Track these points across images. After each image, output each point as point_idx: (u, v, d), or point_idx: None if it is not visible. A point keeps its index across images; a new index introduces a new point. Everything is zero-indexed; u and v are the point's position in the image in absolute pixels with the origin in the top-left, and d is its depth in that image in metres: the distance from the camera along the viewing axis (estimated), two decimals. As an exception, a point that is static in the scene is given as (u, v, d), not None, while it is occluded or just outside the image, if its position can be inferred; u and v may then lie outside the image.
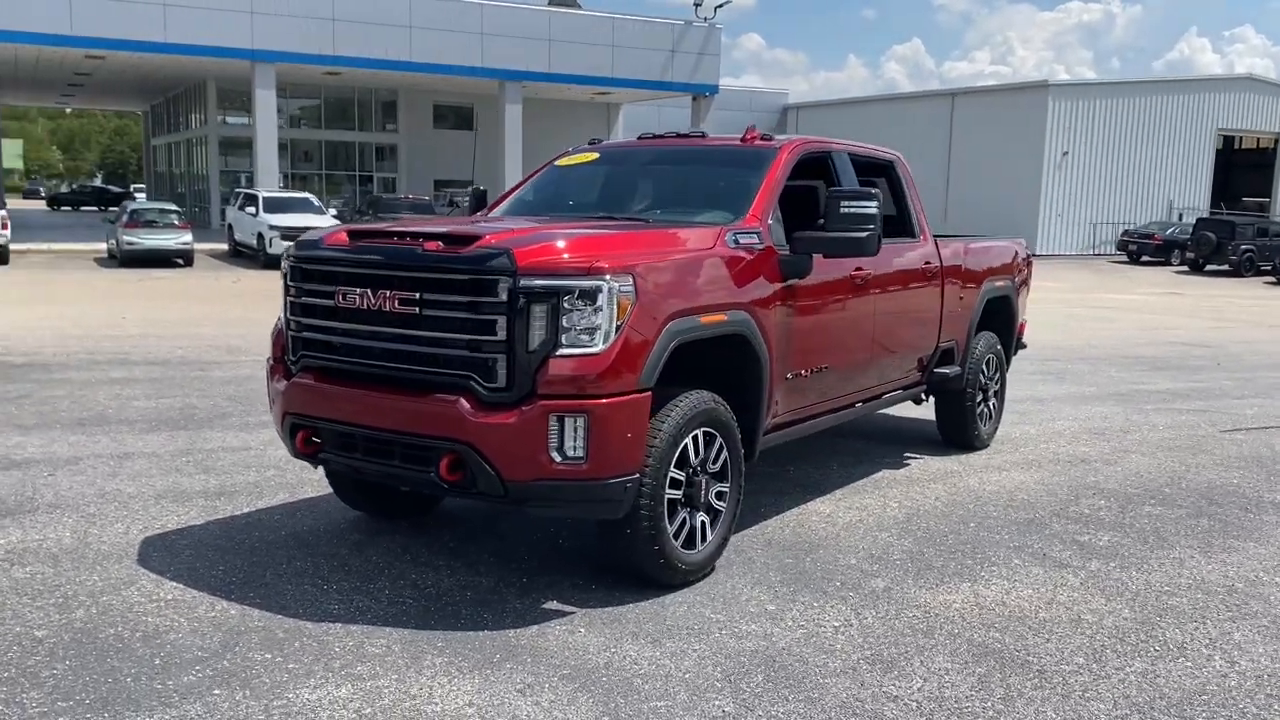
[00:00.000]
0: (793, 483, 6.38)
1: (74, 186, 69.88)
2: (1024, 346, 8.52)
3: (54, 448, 6.75)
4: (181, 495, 5.74)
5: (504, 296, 3.97)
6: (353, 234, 4.55)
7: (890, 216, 6.80)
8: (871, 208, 4.99)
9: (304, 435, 4.54)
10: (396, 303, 4.19)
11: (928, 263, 6.50)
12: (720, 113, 49.37)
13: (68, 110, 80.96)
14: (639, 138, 6.29)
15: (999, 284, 7.55)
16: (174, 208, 27.77)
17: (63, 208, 60.28)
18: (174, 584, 4.42)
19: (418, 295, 4.15)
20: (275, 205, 26.12)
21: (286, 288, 4.65)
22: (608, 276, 4.03)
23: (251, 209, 26.28)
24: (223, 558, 4.77)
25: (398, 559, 4.82)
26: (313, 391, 4.48)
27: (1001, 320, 7.81)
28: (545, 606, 4.30)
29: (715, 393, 4.65)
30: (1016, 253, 7.99)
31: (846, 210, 4.98)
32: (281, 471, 6.24)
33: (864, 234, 4.99)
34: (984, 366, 7.41)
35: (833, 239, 5.02)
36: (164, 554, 4.79)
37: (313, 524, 5.31)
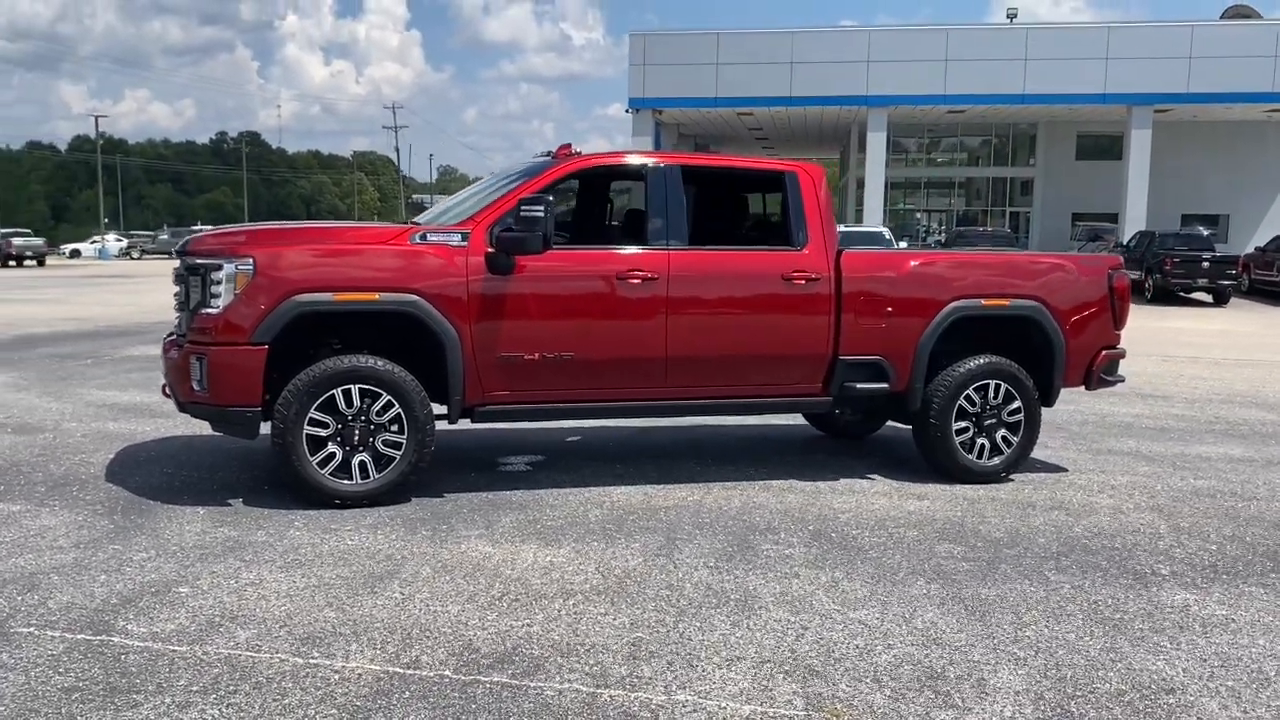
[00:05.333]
0: (671, 473, 6.81)
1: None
2: (1112, 383, 7.27)
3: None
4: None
5: (184, 270, 5.75)
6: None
7: (775, 225, 6.81)
8: (538, 212, 5.62)
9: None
10: (175, 278, 6.18)
11: (797, 271, 6.38)
12: None
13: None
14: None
15: (995, 303, 6.78)
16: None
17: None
18: (108, 455, 6.91)
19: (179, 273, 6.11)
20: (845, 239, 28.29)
21: None
22: (231, 259, 5.55)
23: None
24: (159, 448, 7.16)
25: (246, 464, 6.75)
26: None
27: (1029, 345, 6.97)
28: (230, 501, 5.88)
29: (409, 362, 5.81)
30: (1064, 271, 6.99)
31: (523, 214, 5.68)
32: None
33: (526, 235, 5.66)
34: (971, 392, 6.76)
35: (509, 238, 5.75)
36: (144, 443, 7.33)
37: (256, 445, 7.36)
